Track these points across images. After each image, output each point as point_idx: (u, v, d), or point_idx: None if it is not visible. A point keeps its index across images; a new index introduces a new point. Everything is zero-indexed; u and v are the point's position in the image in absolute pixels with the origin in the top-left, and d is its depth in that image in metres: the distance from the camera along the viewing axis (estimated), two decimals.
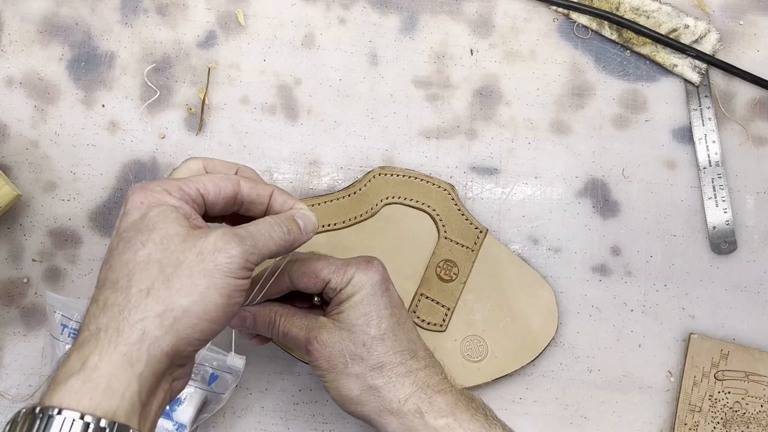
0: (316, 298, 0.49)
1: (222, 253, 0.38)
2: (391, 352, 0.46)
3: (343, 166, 0.59)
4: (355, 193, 0.57)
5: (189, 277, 0.37)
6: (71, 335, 0.51)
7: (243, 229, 0.40)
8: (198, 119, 0.58)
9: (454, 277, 0.56)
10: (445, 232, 0.57)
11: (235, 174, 0.45)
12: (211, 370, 0.53)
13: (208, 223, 0.42)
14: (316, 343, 0.46)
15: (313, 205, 0.57)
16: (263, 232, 0.41)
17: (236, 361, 0.52)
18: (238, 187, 0.43)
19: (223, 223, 0.46)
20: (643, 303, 0.58)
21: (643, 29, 0.59)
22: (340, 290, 0.47)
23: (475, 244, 0.57)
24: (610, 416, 0.57)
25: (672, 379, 0.58)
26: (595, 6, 0.60)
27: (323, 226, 0.56)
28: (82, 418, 0.34)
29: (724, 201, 0.59)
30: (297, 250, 0.45)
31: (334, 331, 0.46)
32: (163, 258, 0.37)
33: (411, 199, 0.57)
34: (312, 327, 0.47)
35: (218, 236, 0.38)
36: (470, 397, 0.47)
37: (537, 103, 0.60)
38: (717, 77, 0.61)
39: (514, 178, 0.59)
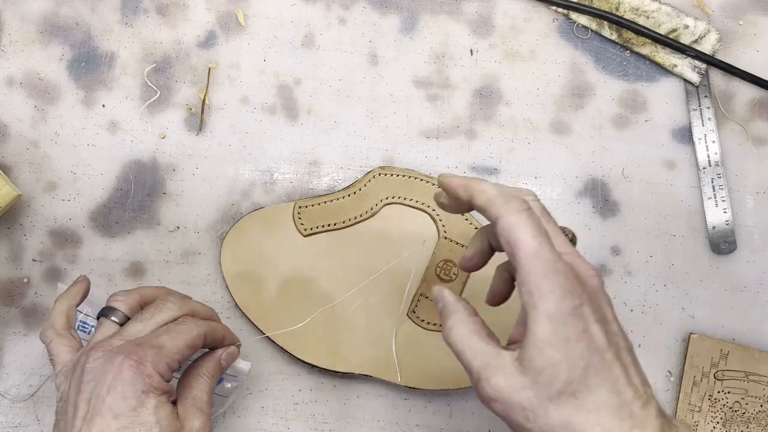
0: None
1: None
2: (584, 410, 0.35)
3: (343, 166, 0.59)
4: (355, 193, 0.57)
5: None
6: (80, 328, 0.51)
7: (202, 402, 0.45)
8: (198, 119, 0.58)
9: (454, 277, 0.56)
10: (445, 232, 0.57)
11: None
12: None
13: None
14: (489, 389, 0.37)
15: (313, 205, 0.57)
16: (208, 394, 0.46)
17: (242, 365, 0.52)
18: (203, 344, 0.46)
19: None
20: (643, 303, 0.58)
21: (642, 29, 0.59)
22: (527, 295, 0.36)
23: None
24: None
25: (672, 379, 0.58)
26: (594, 6, 0.60)
27: (323, 226, 0.56)
28: None
29: (723, 201, 0.59)
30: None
31: (514, 377, 0.36)
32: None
33: (411, 199, 0.57)
34: (488, 362, 0.38)
35: (203, 424, 0.44)
36: None
37: (537, 103, 0.60)
38: (717, 77, 0.61)
39: (514, 178, 0.59)
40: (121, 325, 0.46)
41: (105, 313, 0.46)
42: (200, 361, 0.47)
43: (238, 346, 0.49)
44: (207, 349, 0.48)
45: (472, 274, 0.57)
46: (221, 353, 0.47)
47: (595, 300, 0.37)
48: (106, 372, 0.41)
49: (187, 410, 0.44)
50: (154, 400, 0.41)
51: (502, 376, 0.37)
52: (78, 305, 0.49)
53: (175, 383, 0.46)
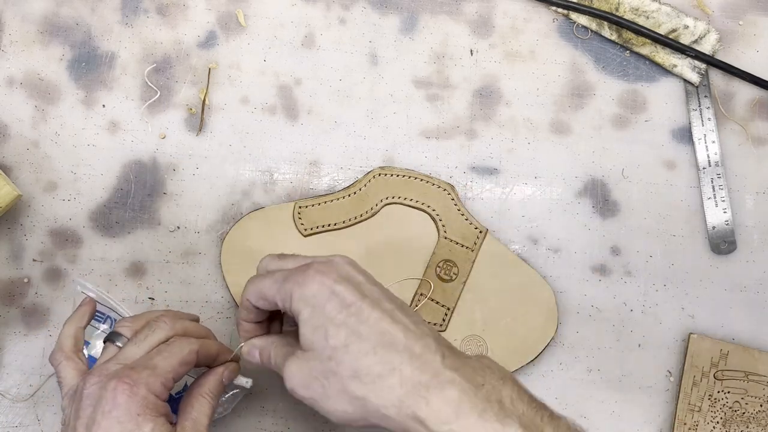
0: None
1: None
2: (360, 355, 0.41)
3: (343, 166, 0.59)
4: (355, 193, 0.57)
5: None
6: (97, 318, 0.53)
7: (200, 426, 0.45)
8: (198, 119, 0.58)
9: (454, 277, 0.56)
10: (445, 232, 0.57)
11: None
12: None
13: None
14: (288, 376, 0.44)
15: (313, 205, 0.57)
16: (209, 414, 0.46)
17: (242, 381, 0.51)
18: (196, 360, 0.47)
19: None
20: (643, 303, 0.58)
21: (642, 29, 0.60)
22: (290, 310, 0.44)
23: (475, 244, 0.57)
24: (609, 416, 0.57)
25: (671, 379, 0.58)
26: (594, 6, 0.60)
27: (323, 226, 0.56)
28: None
29: (723, 201, 0.59)
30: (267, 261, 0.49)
31: (301, 357, 0.43)
32: None
33: (411, 199, 0.57)
34: (282, 360, 0.45)
35: None
36: (479, 384, 0.40)
37: (537, 103, 0.60)
38: (716, 77, 0.61)
39: (514, 178, 0.59)
40: None
41: (111, 338, 0.47)
42: (201, 380, 0.47)
43: (238, 361, 0.50)
44: (207, 368, 0.49)
45: (472, 273, 0.57)
46: (222, 371, 0.48)
47: (330, 273, 0.43)
48: (102, 397, 0.42)
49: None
50: (150, 422, 0.42)
51: (292, 364, 0.43)
52: (85, 327, 0.49)
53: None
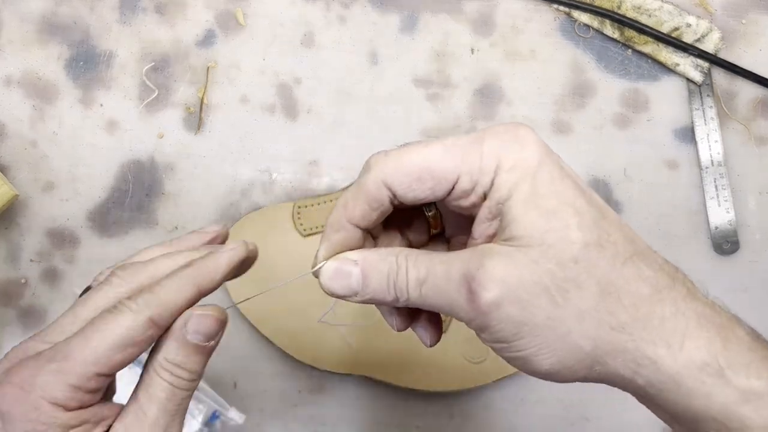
0: (426, 209, 0.32)
1: None
2: (618, 262, 0.28)
3: (343, 166, 0.58)
4: None
5: None
6: None
7: (151, 427, 0.30)
8: (197, 119, 0.58)
9: None
10: None
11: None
12: (214, 408, 0.52)
13: None
14: (488, 280, 0.27)
15: (312, 205, 0.56)
16: (171, 408, 0.30)
17: (235, 415, 0.50)
18: (156, 332, 0.30)
19: None
20: None
21: (644, 28, 0.59)
22: (489, 188, 0.29)
23: None
24: (612, 417, 0.57)
25: None
26: (596, 5, 0.60)
27: (323, 227, 0.56)
28: None
29: (726, 201, 0.59)
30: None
31: (514, 256, 0.28)
32: None
33: None
34: (470, 258, 0.28)
35: None
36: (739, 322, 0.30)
37: (538, 102, 0.60)
38: (719, 76, 0.60)
39: None
40: None
41: (84, 291, 0.34)
42: (155, 346, 0.31)
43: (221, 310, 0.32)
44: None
45: None
46: (181, 323, 0.30)
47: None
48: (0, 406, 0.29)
49: None
50: None
51: (498, 263, 0.28)
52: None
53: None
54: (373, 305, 0.33)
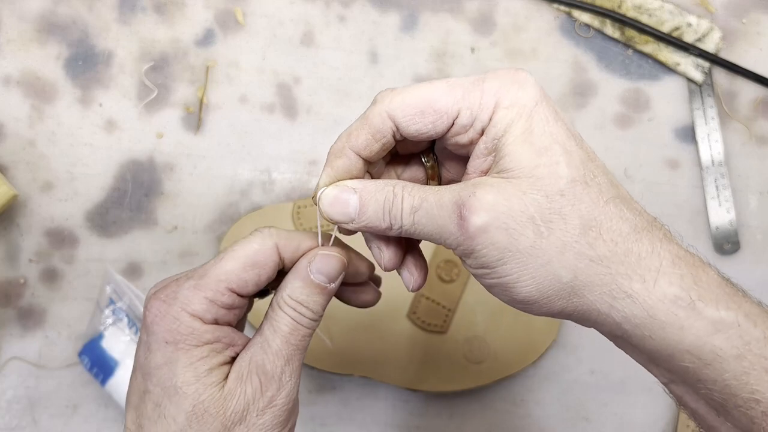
0: (424, 159, 0.34)
1: (267, 413, 0.32)
2: (602, 200, 0.30)
3: None
4: None
5: None
6: (114, 312, 0.53)
7: (274, 355, 0.33)
8: (196, 118, 0.58)
9: (455, 277, 0.56)
10: None
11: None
12: None
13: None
14: (478, 207, 0.29)
15: (313, 205, 0.56)
16: (294, 342, 0.33)
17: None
18: (280, 259, 0.34)
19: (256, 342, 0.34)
20: None
21: (645, 27, 0.59)
22: (487, 124, 0.31)
23: None
24: (612, 418, 0.57)
25: None
26: (597, 4, 0.59)
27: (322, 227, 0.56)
28: None
29: (727, 201, 0.59)
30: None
31: (504, 186, 0.29)
32: None
33: None
34: (463, 188, 0.30)
35: (256, 391, 0.32)
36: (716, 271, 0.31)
37: None
38: (720, 76, 0.60)
39: None
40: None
41: None
42: (282, 283, 0.34)
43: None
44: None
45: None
46: (306, 263, 0.34)
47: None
48: (144, 322, 0.33)
49: (242, 371, 0.32)
50: (185, 356, 0.31)
51: (489, 191, 0.29)
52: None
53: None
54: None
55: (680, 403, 0.32)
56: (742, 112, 0.60)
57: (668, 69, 0.60)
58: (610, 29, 0.60)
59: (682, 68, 0.59)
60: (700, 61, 0.59)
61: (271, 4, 0.59)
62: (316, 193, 0.33)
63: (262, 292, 0.35)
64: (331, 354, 0.55)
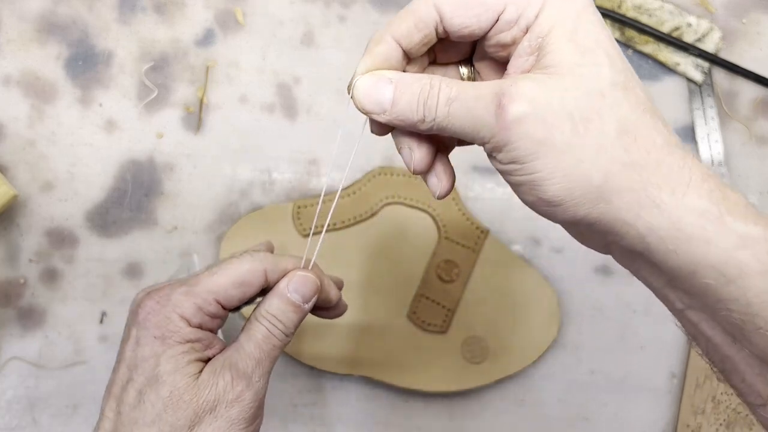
0: (462, 68, 0.34)
1: (235, 406, 0.35)
2: (639, 108, 0.29)
3: (343, 166, 0.58)
4: (355, 193, 0.57)
5: None
6: None
7: (247, 357, 0.36)
8: (196, 118, 0.58)
9: (455, 277, 0.56)
10: (446, 232, 0.56)
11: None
12: None
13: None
14: (519, 96, 0.29)
15: (312, 205, 0.56)
16: (266, 349, 0.37)
17: None
18: (266, 280, 0.38)
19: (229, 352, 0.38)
20: (646, 304, 0.58)
21: (645, 28, 0.59)
22: (532, 21, 0.30)
23: (476, 244, 0.56)
24: (612, 418, 0.57)
25: (675, 381, 0.57)
26: (597, 4, 0.59)
27: (322, 226, 0.56)
28: None
29: None
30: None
31: (546, 81, 0.29)
32: (174, 421, 0.34)
33: (411, 199, 0.57)
34: (503, 81, 0.30)
35: (227, 384, 0.35)
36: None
37: None
38: (720, 76, 0.60)
39: None
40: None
41: None
42: (262, 300, 0.38)
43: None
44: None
45: (473, 274, 0.56)
46: (285, 282, 0.37)
47: None
48: (134, 315, 0.37)
49: (216, 366, 0.36)
50: (170, 350, 0.35)
51: (530, 84, 0.29)
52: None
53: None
54: None
55: (695, 333, 0.31)
56: (742, 112, 0.60)
57: (668, 69, 0.60)
58: (610, 29, 0.60)
59: (681, 68, 0.59)
60: (700, 61, 0.59)
61: (271, 4, 0.59)
62: (351, 82, 0.32)
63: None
64: (331, 354, 0.55)
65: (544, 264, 0.58)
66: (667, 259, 0.29)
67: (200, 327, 0.36)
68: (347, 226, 0.56)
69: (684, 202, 0.28)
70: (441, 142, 0.34)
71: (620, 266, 0.60)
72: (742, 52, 0.60)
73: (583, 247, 0.58)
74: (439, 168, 0.35)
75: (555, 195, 0.29)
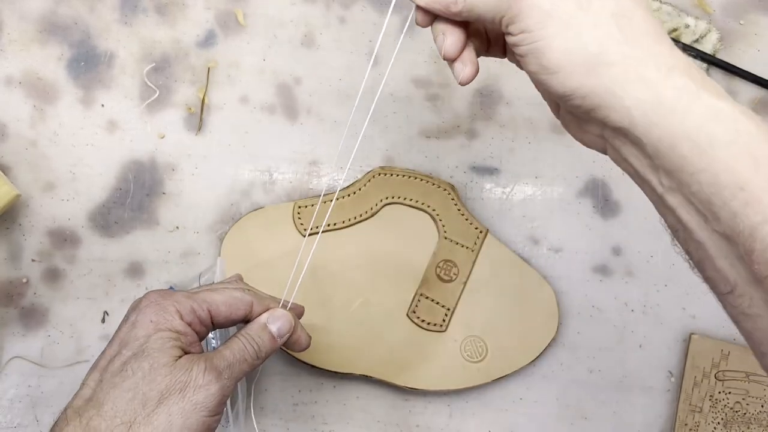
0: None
1: (201, 391, 0.39)
2: (639, 1, 0.34)
3: (343, 166, 0.59)
4: (355, 193, 0.57)
5: (168, 416, 0.39)
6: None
7: (221, 358, 0.41)
8: (197, 119, 0.58)
9: (455, 277, 0.56)
10: (446, 232, 0.57)
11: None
12: None
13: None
14: None
15: (313, 205, 0.56)
16: (238, 357, 0.42)
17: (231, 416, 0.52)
18: (250, 310, 0.44)
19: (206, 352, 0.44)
20: (644, 303, 0.58)
21: None
22: None
23: (476, 244, 0.57)
24: (610, 417, 0.57)
25: (672, 380, 0.58)
26: None
27: (323, 226, 0.56)
28: None
29: None
30: None
31: None
32: (148, 391, 0.39)
33: (411, 199, 0.57)
34: None
35: (200, 372, 0.40)
36: None
37: (537, 102, 0.60)
38: (718, 77, 0.61)
39: (515, 177, 0.59)
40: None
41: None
42: (246, 326, 0.45)
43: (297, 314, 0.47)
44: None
45: (472, 274, 0.56)
46: (266, 315, 0.44)
47: None
48: (137, 302, 0.43)
49: (193, 356, 0.41)
50: (160, 332, 0.40)
51: None
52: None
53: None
54: None
55: (673, 223, 0.35)
56: None
57: None
58: None
59: None
60: (698, 62, 0.60)
61: (272, 5, 0.60)
62: None
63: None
64: (331, 353, 0.55)
65: (543, 264, 0.58)
66: (650, 132, 0.33)
67: (190, 325, 0.42)
68: (347, 226, 0.57)
69: (667, 80, 0.32)
70: (471, 36, 0.40)
71: (618, 266, 0.60)
72: (740, 53, 0.61)
73: (582, 247, 0.58)
74: (466, 56, 0.40)
75: (555, 61, 0.34)
